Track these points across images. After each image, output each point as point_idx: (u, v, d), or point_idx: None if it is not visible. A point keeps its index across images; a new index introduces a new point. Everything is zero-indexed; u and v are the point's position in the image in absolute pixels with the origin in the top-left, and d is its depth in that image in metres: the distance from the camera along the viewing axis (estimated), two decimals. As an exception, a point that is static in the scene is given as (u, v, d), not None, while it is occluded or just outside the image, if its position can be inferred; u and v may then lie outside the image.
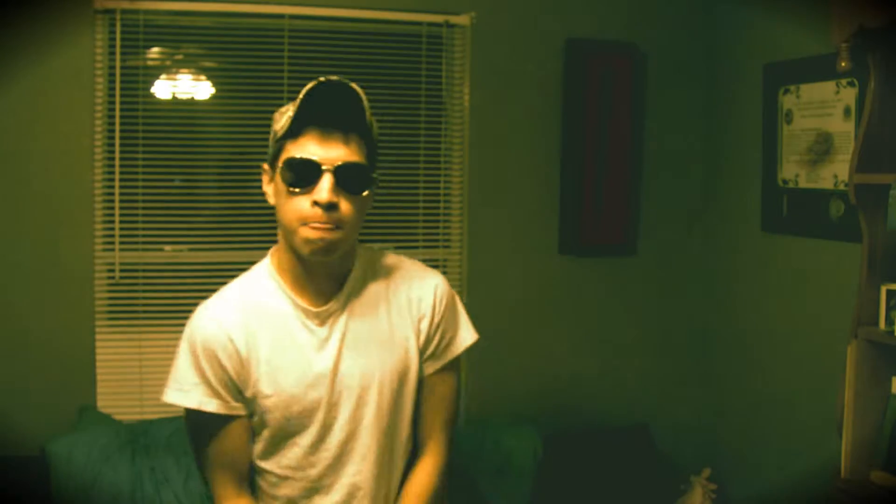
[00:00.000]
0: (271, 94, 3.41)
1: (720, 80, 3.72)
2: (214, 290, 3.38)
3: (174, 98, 3.36)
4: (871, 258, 2.50)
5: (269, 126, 1.80)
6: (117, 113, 3.25)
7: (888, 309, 2.46)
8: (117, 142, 3.26)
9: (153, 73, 3.33)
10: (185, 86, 3.37)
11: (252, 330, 1.72)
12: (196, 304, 3.35)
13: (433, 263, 3.59)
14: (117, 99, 3.25)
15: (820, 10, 2.65)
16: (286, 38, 3.39)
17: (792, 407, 3.27)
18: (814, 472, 2.94)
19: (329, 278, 1.73)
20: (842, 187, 2.98)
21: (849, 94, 2.96)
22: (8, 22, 3.07)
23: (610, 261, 3.73)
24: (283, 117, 1.69)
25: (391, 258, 1.87)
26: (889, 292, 2.46)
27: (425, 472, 1.82)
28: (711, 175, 3.78)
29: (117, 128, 3.26)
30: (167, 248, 3.37)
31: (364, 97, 1.63)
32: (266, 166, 1.74)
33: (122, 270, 3.30)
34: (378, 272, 1.81)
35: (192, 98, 3.39)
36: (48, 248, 3.20)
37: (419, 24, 3.50)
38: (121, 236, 3.29)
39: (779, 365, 3.36)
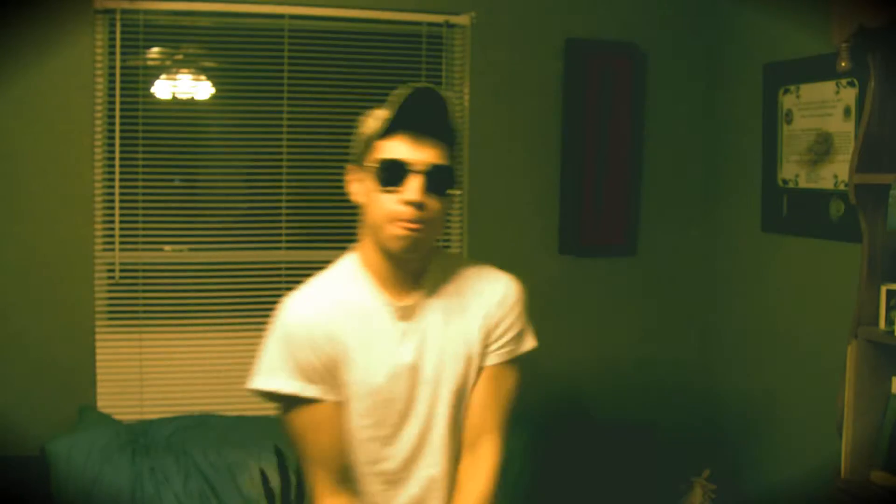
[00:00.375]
0: (271, 94, 3.41)
1: (720, 80, 3.72)
2: (215, 290, 3.40)
3: (174, 98, 3.36)
4: (871, 258, 2.50)
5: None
6: (117, 113, 3.25)
7: (888, 309, 2.46)
8: (117, 142, 3.26)
9: (153, 73, 3.33)
10: (185, 86, 3.37)
11: (339, 320, 1.77)
12: (196, 304, 3.37)
13: (433, 263, 3.59)
14: (117, 99, 3.25)
15: (820, 10, 2.65)
16: (286, 38, 3.39)
17: (792, 407, 3.27)
18: (814, 472, 2.94)
19: (409, 275, 1.80)
20: (842, 187, 2.98)
21: (849, 94, 2.96)
22: (8, 22, 3.07)
23: (610, 261, 3.73)
24: (374, 121, 1.78)
25: (465, 259, 1.96)
26: (889, 292, 2.46)
27: (486, 472, 1.85)
28: (711, 175, 3.78)
29: (117, 128, 3.26)
30: (167, 248, 3.37)
31: (450, 104, 1.73)
32: (352, 166, 1.81)
33: (122, 270, 3.30)
34: (453, 271, 1.87)
35: (192, 98, 3.39)
36: (48, 248, 3.20)
37: (419, 24, 3.50)
38: (121, 236, 3.29)
39: (779, 365, 3.36)
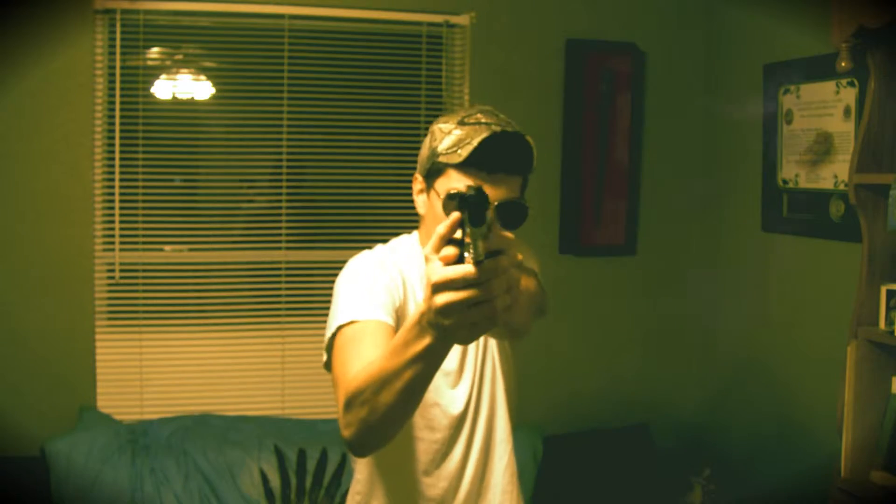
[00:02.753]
0: (271, 94, 3.41)
1: (720, 80, 3.72)
2: (215, 290, 3.40)
3: (174, 98, 3.36)
4: (871, 258, 2.50)
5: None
6: (117, 113, 3.25)
7: (888, 309, 2.46)
8: (117, 142, 3.26)
9: (153, 73, 3.33)
10: (185, 86, 3.37)
11: (405, 285, 1.79)
12: (196, 304, 3.37)
13: (433, 263, 3.59)
14: (117, 99, 3.25)
15: (820, 10, 2.65)
16: (286, 38, 3.39)
17: (792, 407, 3.27)
18: (814, 472, 2.94)
19: None
20: (842, 187, 2.98)
21: (849, 94, 2.96)
22: (8, 22, 3.07)
23: (610, 261, 3.73)
24: (447, 139, 1.72)
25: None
26: (889, 292, 2.46)
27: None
28: (711, 175, 3.78)
29: (117, 128, 3.26)
30: (167, 248, 3.37)
31: (533, 148, 1.72)
32: (419, 176, 1.80)
33: (122, 270, 3.30)
34: None
35: (192, 98, 3.39)
36: (48, 248, 3.20)
37: (419, 24, 3.50)
38: (121, 236, 3.29)
39: (779, 365, 3.36)
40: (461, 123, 1.71)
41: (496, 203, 1.67)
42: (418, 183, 1.80)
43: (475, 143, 1.65)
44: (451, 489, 1.81)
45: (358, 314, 1.69)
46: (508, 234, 1.61)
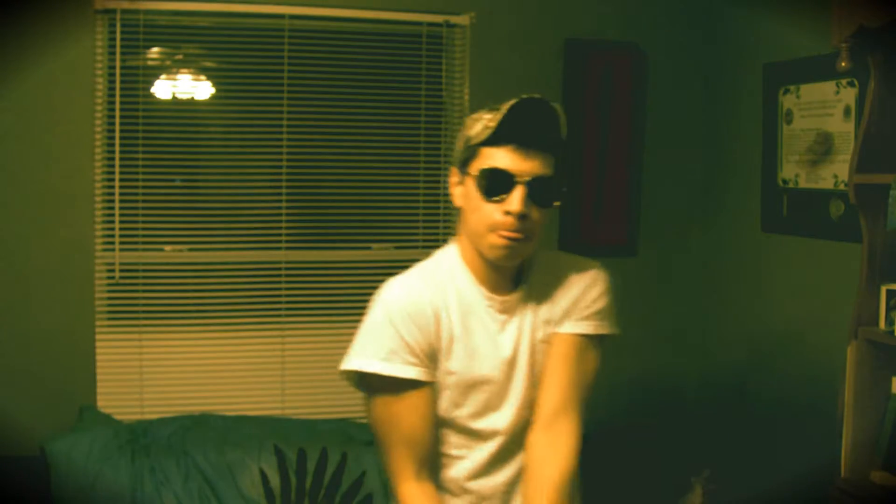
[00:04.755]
0: (271, 94, 3.41)
1: (720, 80, 3.72)
2: (215, 290, 3.40)
3: (174, 98, 3.36)
4: (871, 258, 2.50)
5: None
6: (117, 113, 3.25)
7: (888, 309, 2.46)
8: (117, 142, 3.26)
9: (153, 73, 3.33)
10: (185, 86, 3.37)
11: (443, 305, 1.77)
12: (196, 304, 3.37)
13: (433, 263, 3.59)
14: (117, 99, 3.25)
15: (820, 10, 2.65)
16: (286, 38, 3.39)
17: (792, 407, 3.27)
18: (814, 472, 2.94)
19: (508, 274, 1.79)
20: (842, 187, 2.98)
21: (849, 94, 2.96)
22: (8, 22, 3.07)
23: (610, 261, 3.70)
24: (478, 124, 1.72)
25: (560, 253, 1.98)
26: (889, 292, 2.46)
27: (564, 454, 1.77)
28: (711, 175, 3.78)
29: (117, 128, 3.26)
30: (167, 248, 3.37)
31: (562, 116, 1.69)
32: (454, 169, 1.80)
33: (122, 270, 3.30)
34: (549, 265, 1.86)
35: (192, 98, 3.39)
36: (48, 248, 3.20)
37: (419, 24, 3.50)
38: (121, 236, 3.29)
39: (779, 365, 3.36)
40: (491, 109, 1.71)
41: (527, 179, 1.67)
42: (454, 175, 1.80)
43: (503, 110, 1.66)
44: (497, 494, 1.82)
45: (384, 368, 1.72)
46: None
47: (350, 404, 3.51)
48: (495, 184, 1.68)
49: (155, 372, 3.33)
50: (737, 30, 3.61)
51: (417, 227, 3.57)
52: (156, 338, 3.34)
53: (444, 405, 1.77)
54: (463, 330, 1.76)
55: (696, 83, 3.79)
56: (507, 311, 1.78)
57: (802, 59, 3.16)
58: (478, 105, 3.72)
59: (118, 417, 3.23)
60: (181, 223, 3.37)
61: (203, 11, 3.32)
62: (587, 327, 1.83)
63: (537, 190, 1.68)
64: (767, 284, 3.43)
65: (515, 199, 1.66)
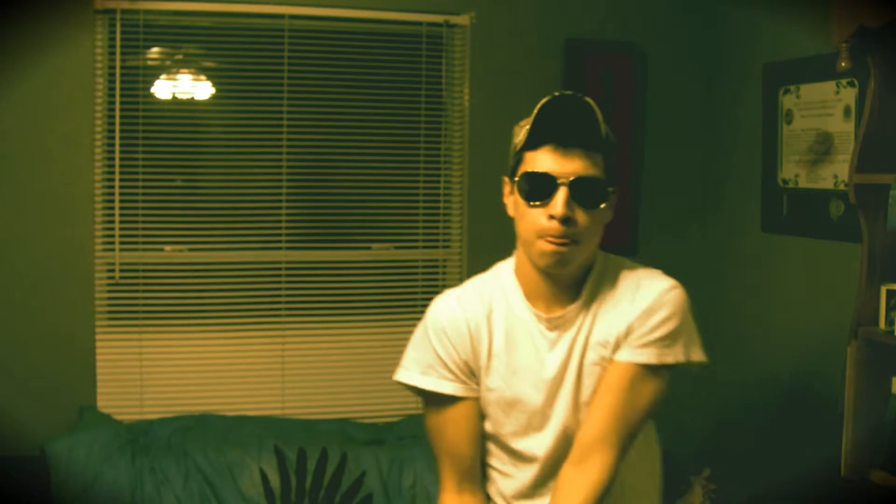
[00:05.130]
0: (271, 94, 3.41)
1: (720, 80, 3.72)
2: (215, 290, 3.40)
3: (174, 98, 3.36)
4: (871, 258, 2.50)
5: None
6: (117, 113, 3.25)
7: (888, 309, 2.46)
8: (117, 142, 3.26)
9: (153, 73, 3.33)
10: (185, 86, 3.37)
11: (485, 321, 1.73)
12: (196, 304, 3.38)
13: (433, 263, 3.60)
14: (117, 99, 3.25)
15: (820, 10, 2.65)
16: (286, 38, 3.39)
17: (792, 406, 3.27)
18: (814, 472, 2.94)
19: (563, 287, 1.70)
20: (842, 187, 2.98)
21: (849, 94, 2.96)
22: (8, 22, 3.07)
23: (610, 261, 3.72)
24: (522, 131, 1.70)
25: (629, 265, 1.78)
26: (889, 292, 2.46)
27: (585, 492, 1.64)
28: (711, 175, 3.78)
29: (117, 128, 3.26)
30: (167, 248, 3.37)
31: (598, 110, 1.65)
32: (506, 178, 1.73)
33: (122, 270, 3.30)
34: (612, 279, 1.73)
35: (192, 98, 3.39)
36: (48, 248, 3.20)
37: (419, 24, 3.50)
38: (121, 236, 3.29)
39: (779, 365, 3.36)
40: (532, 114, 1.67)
41: (570, 179, 1.61)
42: (506, 185, 1.73)
43: (536, 110, 1.63)
44: None
45: (421, 381, 1.73)
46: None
47: (350, 404, 3.51)
48: (536, 187, 1.63)
49: (155, 372, 3.33)
50: (737, 30, 3.61)
51: (417, 227, 3.57)
52: (156, 338, 3.34)
53: (489, 421, 1.75)
54: (506, 346, 1.71)
55: (696, 83, 3.79)
56: (559, 327, 1.69)
57: (802, 59, 3.16)
58: (478, 105, 3.76)
59: (118, 417, 3.23)
60: (181, 223, 3.37)
61: (203, 11, 3.32)
62: (646, 355, 1.66)
63: (580, 191, 1.62)
64: (767, 284, 3.43)
65: (558, 202, 1.60)
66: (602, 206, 1.67)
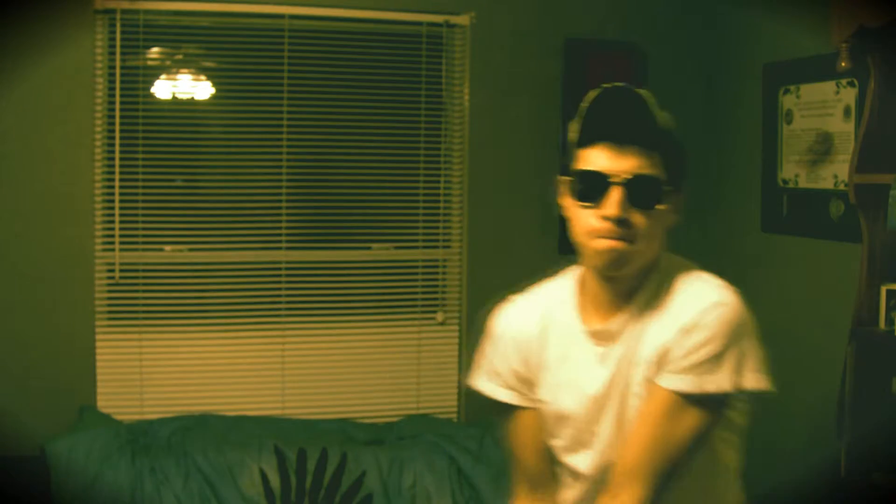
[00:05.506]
0: (271, 94, 3.41)
1: (720, 80, 3.72)
2: (215, 290, 3.40)
3: (174, 98, 3.36)
4: (871, 258, 2.50)
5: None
6: (117, 113, 3.25)
7: (888, 309, 2.46)
8: (117, 142, 3.26)
9: (153, 73, 3.33)
10: (185, 86, 3.37)
11: (541, 335, 1.67)
12: (196, 304, 3.38)
13: (433, 263, 3.60)
14: (117, 99, 3.25)
15: (820, 10, 2.65)
16: (286, 38, 3.39)
17: (792, 407, 3.27)
18: (814, 472, 2.94)
19: (620, 295, 1.59)
20: (842, 187, 2.98)
21: (849, 94, 2.96)
22: (8, 22, 3.07)
23: (610, 261, 3.72)
24: (575, 126, 1.63)
25: (689, 269, 1.63)
26: (889, 292, 2.46)
27: None
28: (711, 175, 3.77)
29: (117, 128, 3.26)
30: (167, 248, 3.37)
31: (650, 103, 1.55)
32: (561, 178, 1.62)
33: (122, 270, 3.30)
34: (669, 288, 1.58)
35: (192, 98, 3.39)
36: (48, 248, 3.20)
37: (419, 24, 3.50)
38: (121, 236, 3.29)
39: (778, 365, 3.34)
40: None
41: (624, 178, 1.50)
42: (562, 184, 1.61)
43: (584, 106, 1.54)
44: None
45: (486, 388, 1.72)
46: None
47: (350, 404, 3.51)
48: (589, 186, 1.52)
49: (155, 372, 3.33)
50: (737, 30, 3.61)
51: (417, 227, 3.57)
52: (156, 338, 3.33)
53: (548, 432, 1.70)
54: (557, 359, 1.65)
55: (696, 83, 3.79)
56: (607, 340, 1.58)
57: (802, 59, 3.16)
58: (478, 105, 3.75)
59: (118, 417, 3.23)
60: (181, 223, 3.37)
61: (203, 11, 3.32)
62: (683, 383, 1.49)
63: (635, 191, 1.50)
64: (767, 284, 3.43)
65: (610, 202, 1.49)
66: (659, 206, 1.53)
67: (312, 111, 3.45)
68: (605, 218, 1.50)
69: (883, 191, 2.44)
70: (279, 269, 3.46)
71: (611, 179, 1.51)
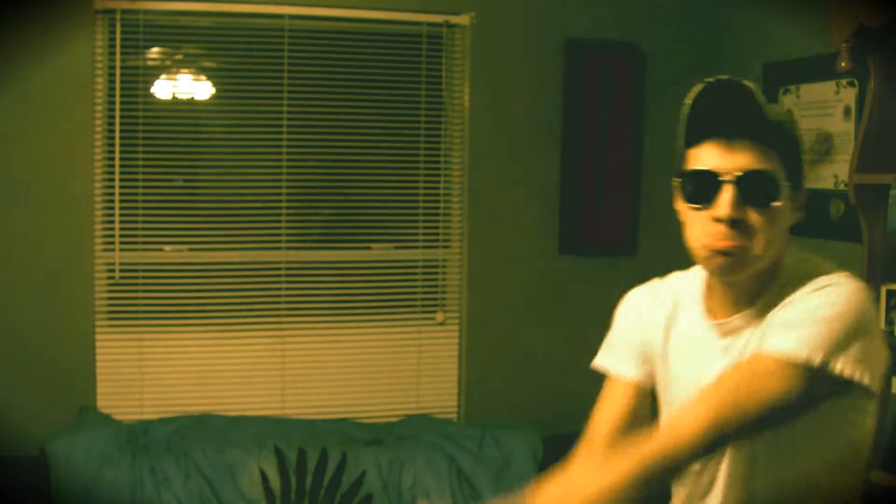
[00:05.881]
0: (271, 94, 3.41)
1: (720, 80, 3.71)
2: (215, 290, 3.40)
3: (174, 98, 3.36)
4: (871, 258, 2.50)
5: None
6: (117, 113, 3.25)
7: (888, 309, 2.46)
8: (117, 142, 3.26)
9: (153, 73, 3.33)
10: (185, 86, 3.37)
11: (670, 322, 1.65)
12: (196, 304, 3.38)
13: (433, 263, 3.60)
14: (117, 99, 3.25)
15: (820, 10, 2.65)
16: (286, 38, 3.39)
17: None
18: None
19: (744, 296, 1.51)
20: (842, 187, 2.98)
21: (849, 94, 2.96)
22: (8, 22, 3.07)
23: (610, 261, 3.73)
24: (682, 125, 1.52)
25: (820, 266, 1.52)
26: (889, 292, 2.46)
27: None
28: (711, 175, 3.77)
29: (117, 128, 3.26)
30: (167, 248, 3.37)
31: (758, 95, 1.43)
32: (675, 180, 1.53)
33: (122, 270, 3.30)
34: (796, 284, 1.48)
35: (192, 98, 3.39)
36: (48, 248, 3.20)
37: (419, 24, 3.50)
38: (121, 236, 3.29)
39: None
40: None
41: (736, 175, 1.41)
42: (675, 187, 1.53)
43: (688, 102, 1.46)
44: None
45: (605, 361, 1.70)
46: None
47: (350, 404, 3.51)
48: (698, 187, 1.44)
49: (155, 372, 3.33)
50: (737, 30, 3.61)
51: (417, 227, 3.57)
52: (156, 338, 3.33)
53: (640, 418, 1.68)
54: (677, 347, 1.61)
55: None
56: (732, 332, 1.52)
57: (802, 59, 3.16)
58: (478, 105, 3.75)
59: (118, 417, 3.23)
60: (181, 223, 3.37)
61: (203, 11, 3.32)
62: (769, 339, 1.40)
63: (750, 188, 1.41)
64: (767, 284, 3.43)
65: (722, 203, 1.41)
66: (776, 204, 1.44)
67: (312, 111, 3.45)
68: (717, 220, 1.42)
69: (883, 191, 2.44)
70: (279, 269, 3.46)
71: (721, 178, 1.42)
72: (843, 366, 1.36)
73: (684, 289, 1.65)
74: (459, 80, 3.56)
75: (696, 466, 1.54)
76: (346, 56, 3.47)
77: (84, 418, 3.15)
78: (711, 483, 1.55)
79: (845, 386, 1.39)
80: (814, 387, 1.37)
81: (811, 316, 1.38)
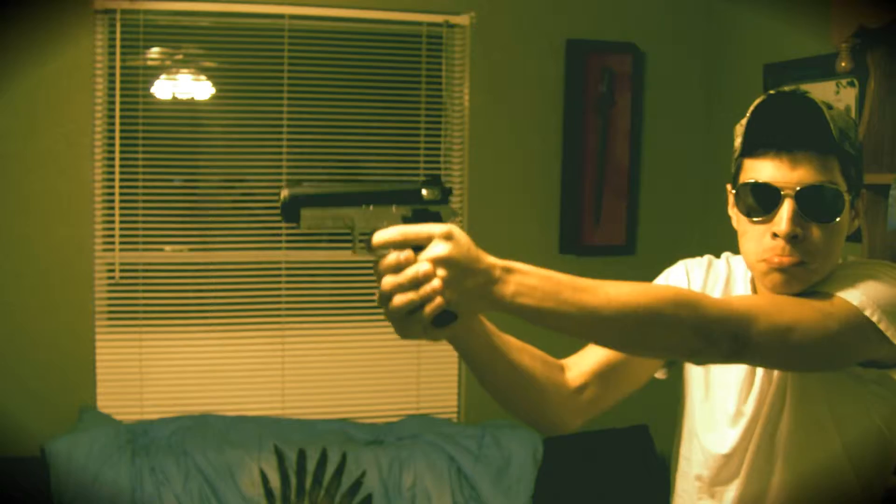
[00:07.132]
0: (271, 94, 3.41)
1: (720, 80, 3.72)
2: (215, 290, 3.40)
3: (174, 98, 3.36)
4: (871, 258, 2.50)
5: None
6: (117, 113, 3.25)
7: (888, 309, 2.46)
8: (117, 142, 3.26)
9: (153, 73, 3.33)
10: (185, 86, 3.37)
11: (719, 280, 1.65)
12: (196, 304, 3.38)
13: (433, 263, 3.59)
14: (117, 99, 3.25)
15: (820, 10, 2.65)
16: (286, 38, 3.39)
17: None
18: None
19: (792, 292, 1.46)
20: (842, 187, 2.97)
21: (849, 94, 2.96)
22: (8, 22, 3.07)
23: (610, 261, 3.73)
24: (740, 132, 1.50)
25: (864, 270, 1.45)
26: (889, 292, 2.46)
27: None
28: (711, 175, 3.77)
29: (117, 128, 3.26)
30: (167, 248, 3.37)
31: (825, 109, 1.37)
32: (729, 187, 1.49)
33: (122, 270, 3.30)
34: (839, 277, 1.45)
35: (192, 98, 3.39)
36: (48, 248, 3.20)
37: (419, 24, 3.50)
38: (121, 236, 3.29)
39: (779, 365, 3.36)
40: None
41: (797, 190, 1.36)
42: (729, 194, 1.49)
43: (749, 112, 1.43)
44: None
45: None
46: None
47: (350, 404, 3.51)
48: (757, 201, 1.39)
49: (155, 372, 3.33)
50: (737, 30, 3.61)
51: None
52: (156, 338, 3.34)
53: (689, 403, 1.68)
54: None
55: (696, 83, 3.79)
56: None
57: (802, 59, 3.15)
58: (478, 105, 3.75)
59: (118, 417, 3.23)
60: (181, 223, 3.37)
61: (203, 11, 3.32)
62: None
63: (811, 202, 1.36)
64: (767, 284, 3.43)
65: (783, 217, 1.36)
66: (838, 219, 1.38)
67: (312, 111, 3.45)
68: (776, 235, 1.37)
69: (883, 191, 2.44)
70: (279, 269, 3.46)
71: (782, 192, 1.37)
72: (889, 328, 1.33)
73: (737, 274, 1.60)
74: (459, 79, 3.56)
75: (725, 449, 1.50)
76: (346, 56, 3.47)
77: (84, 418, 3.15)
78: (738, 468, 1.50)
79: (879, 361, 1.37)
80: (857, 341, 1.33)
81: (863, 281, 1.35)
